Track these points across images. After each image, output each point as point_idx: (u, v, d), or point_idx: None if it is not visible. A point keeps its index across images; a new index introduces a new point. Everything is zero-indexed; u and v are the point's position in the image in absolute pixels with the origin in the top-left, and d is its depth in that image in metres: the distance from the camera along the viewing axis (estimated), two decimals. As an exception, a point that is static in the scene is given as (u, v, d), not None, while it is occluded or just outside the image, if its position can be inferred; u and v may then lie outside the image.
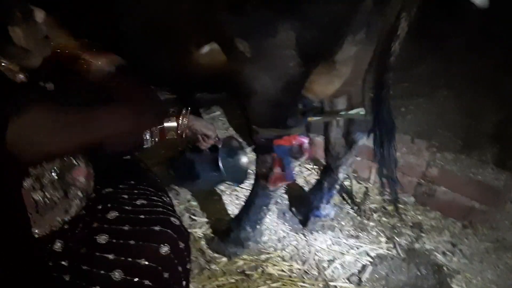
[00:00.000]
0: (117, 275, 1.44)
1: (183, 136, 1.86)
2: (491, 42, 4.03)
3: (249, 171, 2.32)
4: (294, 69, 1.65)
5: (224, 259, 2.31)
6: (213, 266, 2.26)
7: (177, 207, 2.58)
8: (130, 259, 1.46)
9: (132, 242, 1.49)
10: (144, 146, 1.84)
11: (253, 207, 2.22)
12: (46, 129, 1.31)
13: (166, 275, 1.50)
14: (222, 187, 2.75)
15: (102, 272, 1.45)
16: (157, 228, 1.53)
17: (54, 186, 1.50)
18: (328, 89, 1.92)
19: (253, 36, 1.59)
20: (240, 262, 2.30)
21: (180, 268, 1.56)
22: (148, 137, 1.81)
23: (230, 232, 2.31)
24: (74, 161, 1.59)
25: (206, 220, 2.55)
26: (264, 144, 1.91)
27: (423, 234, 2.53)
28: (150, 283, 1.46)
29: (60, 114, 1.35)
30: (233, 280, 2.20)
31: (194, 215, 2.57)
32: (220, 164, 2.07)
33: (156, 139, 1.83)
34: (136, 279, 1.45)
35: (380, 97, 1.90)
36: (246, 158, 2.27)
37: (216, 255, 2.33)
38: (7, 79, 1.36)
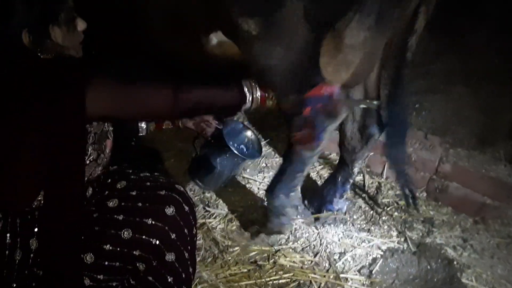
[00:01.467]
0: (126, 233, 1.56)
1: (180, 125, 2.02)
2: (510, 39, 4.01)
3: (261, 142, 2.36)
4: (304, 35, 1.65)
5: (237, 249, 2.36)
6: (226, 256, 2.31)
7: (192, 198, 2.63)
8: (138, 219, 1.58)
9: (139, 204, 1.61)
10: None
11: (286, 174, 2.20)
12: (108, 98, 1.52)
13: (173, 236, 1.60)
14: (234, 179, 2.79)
15: (112, 231, 1.57)
16: (162, 192, 1.64)
17: (93, 147, 1.66)
18: (337, 78, 1.91)
19: (259, 13, 1.59)
20: (252, 253, 2.35)
21: (186, 231, 1.65)
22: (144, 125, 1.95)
23: (269, 208, 2.32)
24: (108, 134, 1.74)
25: (219, 211, 2.60)
26: (293, 107, 1.85)
27: (434, 229, 2.54)
28: (158, 242, 1.57)
29: (120, 88, 1.55)
30: (245, 270, 2.25)
31: (208, 206, 2.63)
32: (228, 142, 2.12)
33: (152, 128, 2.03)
34: (144, 237, 1.56)
35: (395, 94, 1.89)
36: (251, 131, 2.32)
37: (229, 244, 2.38)
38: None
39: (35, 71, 1.47)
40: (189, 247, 1.68)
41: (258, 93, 1.79)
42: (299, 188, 2.32)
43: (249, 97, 1.76)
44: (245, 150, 2.29)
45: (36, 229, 1.53)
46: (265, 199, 2.34)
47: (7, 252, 1.51)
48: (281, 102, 1.89)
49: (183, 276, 1.66)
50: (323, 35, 1.71)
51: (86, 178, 1.65)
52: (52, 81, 1.46)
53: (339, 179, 2.44)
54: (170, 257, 1.61)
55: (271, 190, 2.31)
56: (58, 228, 1.54)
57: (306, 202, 2.65)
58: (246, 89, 1.76)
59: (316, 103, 1.83)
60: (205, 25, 1.76)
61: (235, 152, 2.15)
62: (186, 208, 1.66)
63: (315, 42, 1.73)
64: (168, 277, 1.62)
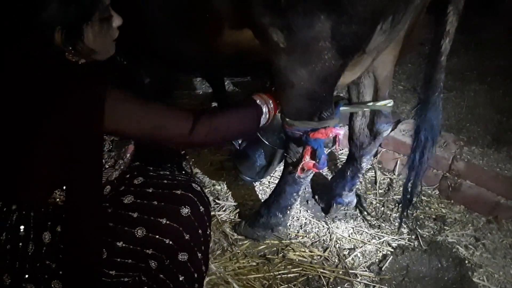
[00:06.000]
0: (139, 232, 1.54)
1: None
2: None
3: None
4: (330, 61, 1.63)
5: (246, 242, 2.35)
6: (235, 249, 2.31)
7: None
8: (152, 217, 1.56)
9: (155, 202, 1.59)
10: None
11: (283, 194, 2.23)
12: (123, 113, 1.49)
13: (187, 236, 1.58)
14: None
15: (126, 228, 1.56)
16: (178, 191, 1.62)
17: (109, 155, 1.65)
18: (348, 79, 1.91)
19: (287, 27, 1.57)
20: (262, 246, 2.34)
21: (200, 232, 1.63)
22: None
23: (259, 217, 2.34)
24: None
25: (229, 204, 2.60)
26: (298, 136, 1.90)
27: (446, 227, 2.52)
28: (171, 242, 1.55)
29: (136, 104, 1.52)
30: (254, 263, 2.25)
31: (218, 198, 2.62)
32: (262, 134, 2.14)
33: None
34: (157, 237, 1.55)
35: (429, 100, 1.85)
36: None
37: (239, 237, 2.37)
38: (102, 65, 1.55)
39: (61, 72, 1.46)
40: (202, 247, 1.67)
41: (271, 102, 1.82)
42: (293, 207, 2.33)
43: (264, 108, 1.78)
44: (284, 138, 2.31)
45: (49, 223, 1.53)
46: (262, 214, 2.33)
47: (20, 244, 1.51)
48: (285, 122, 1.89)
49: (195, 276, 1.66)
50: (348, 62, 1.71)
51: (104, 180, 1.64)
52: (74, 85, 1.44)
53: (348, 173, 2.43)
54: (182, 257, 1.60)
55: (267, 208, 2.31)
56: (78, 223, 1.53)
57: (316, 196, 2.64)
58: (259, 101, 1.78)
59: (319, 145, 1.84)
60: (230, 20, 1.73)
61: (267, 143, 2.17)
62: (202, 208, 1.64)
63: (338, 71, 1.72)
64: (180, 276, 1.62)
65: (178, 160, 2.01)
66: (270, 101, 1.82)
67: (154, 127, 1.55)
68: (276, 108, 1.84)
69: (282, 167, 2.23)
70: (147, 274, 1.61)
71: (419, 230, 2.49)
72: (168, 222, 1.56)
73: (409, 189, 2.07)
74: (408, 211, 2.18)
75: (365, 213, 2.56)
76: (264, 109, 1.79)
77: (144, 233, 1.54)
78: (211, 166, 2.87)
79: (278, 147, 2.31)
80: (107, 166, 1.66)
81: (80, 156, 1.49)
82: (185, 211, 1.58)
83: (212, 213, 2.49)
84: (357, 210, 2.58)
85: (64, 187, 1.52)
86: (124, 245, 1.55)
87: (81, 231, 1.53)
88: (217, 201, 2.61)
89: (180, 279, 1.62)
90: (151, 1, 1.80)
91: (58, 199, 1.54)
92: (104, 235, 1.55)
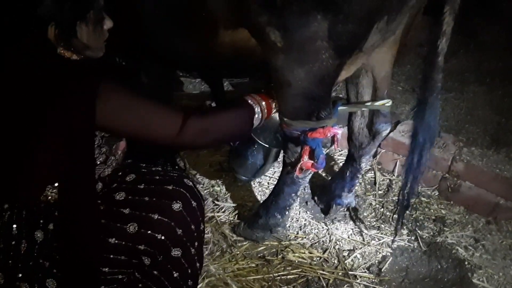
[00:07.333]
0: (131, 228, 1.55)
1: None
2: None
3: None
4: (327, 61, 1.63)
5: (246, 243, 2.35)
6: (234, 250, 2.31)
7: (201, 192, 2.62)
8: (144, 213, 1.56)
9: (146, 198, 1.60)
10: None
11: (281, 194, 2.23)
12: (114, 109, 1.49)
13: (179, 231, 1.59)
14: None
15: (118, 225, 1.56)
16: (170, 187, 1.63)
17: (100, 151, 1.65)
18: (342, 76, 1.90)
19: (284, 26, 1.57)
20: (261, 248, 2.34)
21: (193, 227, 1.64)
22: None
23: (258, 218, 2.33)
24: None
25: (229, 205, 2.59)
26: (296, 136, 1.90)
27: (445, 228, 2.52)
28: (163, 237, 1.56)
29: (130, 101, 1.53)
30: (253, 265, 2.24)
31: (217, 200, 2.62)
32: (257, 134, 2.14)
33: None
34: (149, 232, 1.55)
35: (426, 100, 1.84)
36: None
37: (238, 238, 2.37)
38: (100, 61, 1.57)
39: (60, 71, 1.46)
40: (196, 243, 1.67)
41: (263, 103, 1.81)
42: (292, 208, 2.32)
43: (257, 109, 1.78)
44: (280, 139, 2.31)
45: (41, 221, 1.53)
46: (260, 215, 2.32)
47: (13, 242, 1.51)
48: (283, 122, 1.89)
49: (189, 271, 1.66)
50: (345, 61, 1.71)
51: (96, 177, 1.63)
52: (66, 81, 1.45)
53: (347, 174, 2.42)
54: (176, 252, 1.60)
55: (266, 209, 2.30)
56: (73, 220, 1.53)
57: (315, 198, 2.64)
58: (250, 101, 1.78)
59: (317, 144, 1.84)
60: (228, 20, 1.73)
61: (260, 142, 2.17)
62: (194, 203, 1.65)
63: (336, 70, 1.71)
64: (174, 272, 1.62)
65: (172, 155, 2.01)
66: (263, 102, 1.82)
67: (140, 126, 1.54)
68: (269, 108, 1.84)
69: (280, 167, 2.23)
70: (140, 270, 1.62)
71: (418, 231, 2.49)
72: (159, 217, 1.56)
73: (406, 192, 2.06)
74: (406, 213, 2.18)
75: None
76: (257, 110, 1.78)
77: (136, 229, 1.55)
78: (210, 167, 2.86)
79: (274, 147, 2.31)
80: (98, 162, 1.66)
81: (74, 153, 1.49)
82: (177, 206, 1.59)
83: (211, 214, 2.50)
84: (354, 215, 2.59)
85: (56, 184, 1.52)
86: (116, 241, 1.55)
87: (76, 228, 1.52)
88: (216, 202, 2.60)
89: (174, 275, 1.62)
90: (149, 1, 1.80)
91: (50, 197, 1.54)
92: (98, 231, 1.55)
